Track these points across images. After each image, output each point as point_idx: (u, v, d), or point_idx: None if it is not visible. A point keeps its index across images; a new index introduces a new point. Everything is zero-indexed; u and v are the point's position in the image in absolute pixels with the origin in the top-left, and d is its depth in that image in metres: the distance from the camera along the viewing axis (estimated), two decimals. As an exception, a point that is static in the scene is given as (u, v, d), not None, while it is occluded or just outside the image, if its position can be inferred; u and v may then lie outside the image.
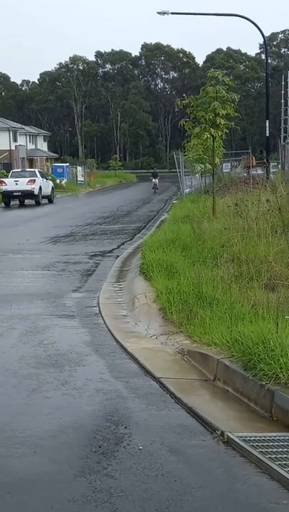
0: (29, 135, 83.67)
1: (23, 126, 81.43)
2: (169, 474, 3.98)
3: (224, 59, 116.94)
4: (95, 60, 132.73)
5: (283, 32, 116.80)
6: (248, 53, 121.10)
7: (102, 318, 8.11)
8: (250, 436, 4.43)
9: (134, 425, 4.73)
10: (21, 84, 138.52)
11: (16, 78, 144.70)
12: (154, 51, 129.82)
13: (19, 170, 45.13)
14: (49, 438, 4.52)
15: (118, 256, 13.82)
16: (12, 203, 37.33)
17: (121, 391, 5.47)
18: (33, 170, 43.48)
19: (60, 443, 4.45)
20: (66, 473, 4.01)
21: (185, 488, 3.81)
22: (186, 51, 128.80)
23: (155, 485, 3.86)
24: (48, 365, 6.19)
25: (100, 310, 8.59)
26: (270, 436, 4.44)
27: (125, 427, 4.69)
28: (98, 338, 7.24)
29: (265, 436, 4.44)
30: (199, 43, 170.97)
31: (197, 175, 33.68)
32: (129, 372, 5.97)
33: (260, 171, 33.06)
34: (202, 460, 4.18)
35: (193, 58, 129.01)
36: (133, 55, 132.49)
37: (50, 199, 39.23)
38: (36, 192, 36.61)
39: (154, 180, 50.93)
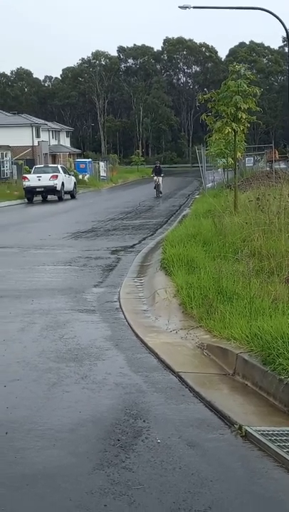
0: (52, 131, 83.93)
1: (46, 122, 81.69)
2: (187, 467, 4.00)
3: (247, 52, 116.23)
4: (117, 55, 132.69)
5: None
6: (271, 47, 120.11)
7: (123, 313, 8.15)
8: (269, 430, 4.43)
9: (152, 419, 4.76)
10: (44, 80, 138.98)
11: (39, 74, 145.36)
12: (176, 45, 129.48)
13: (42, 166, 45.31)
14: (68, 431, 4.57)
15: (139, 251, 13.85)
16: (35, 198, 37.51)
17: (140, 385, 5.50)
18: (55, 165, 43.64)
19: (79, 436, 4.49)
20: (85, 466, 4.05)
21: (202, 482, 3.83)
22: (208, 45, 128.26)
23: (173, 478, 3.89)
24: (68, 359, 6.24)
25: (120, 305, 8.63)
26: (288, 431, 4.44)
27: (144, 421, 4.71)
28: (118, 332, 7.27)
29: (283, 431, 4.44)
30: (222, 37, 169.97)
31: (219, 169, 33.60)
32: (149, 367, 5.99)
33: (283, 165, 32.91)
34: (220, 454, 4.20)
35: (216, 52, 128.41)
36: (155, 50, 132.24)
37: (72, 194, 39.37)
38: (59, 187, 36.76)
39: (156, 178, 38.04)
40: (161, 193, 37.95)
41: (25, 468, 4.05)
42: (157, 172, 38.29)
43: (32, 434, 4.52)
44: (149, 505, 3.59)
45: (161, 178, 38.24)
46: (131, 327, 7.44)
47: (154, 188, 38.10)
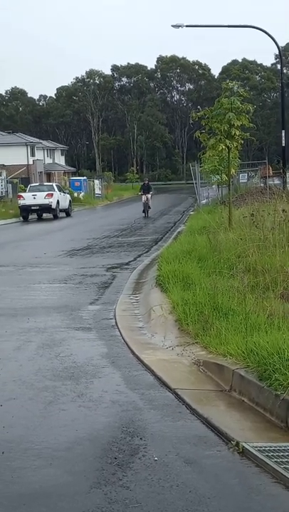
0: (47, 149, 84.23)
1: (41, 141, 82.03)
2: (184, 485, 3.98)
3: (240, 70, 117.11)
4: (111, 73, 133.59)
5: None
6: (264, 64, 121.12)
7: (119, 330, 8.14)
8: (266, 447, 4.42)
9: (149, 436, 4.75)
10: (38, 100, 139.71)
11: (34, 93, 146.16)
12: (169, 64, 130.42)
13: (37, 184, 45.44)
14: (65, 450, 4.55)
15: (135, 268, 13.86)
16: (30, 216, 37.56)
17: (137, 402, 5.49)
18: (50, 184, 43.82)
19: (76, 455, 4.47)
20: (82, 484, 4.03)
21: (200, 499, 3.81)
22: (201, 63, 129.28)
23: (170, 496, 3.87)
24: (64, 377, 6.22)
25: (116, 322, 8.62)
26: (285, 446, 4.43)
27: (140, 439, 4.70)
28: (114, 350, 7.26)
29: (280, 446, 4.43)
30: (215, 55, 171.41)
31: (214, 186, 33.76)
32: (145, 384, 5.99)
33: (277, 181, 33.02)
34: (217, 470, 4.19)
35: (209, 70, 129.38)
36: (149, 68, 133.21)
37: (67, 212, 39.44)
38: (54, 206, 36.83)
39: (144, 196, 34.70)
40: (150, 207, 34.69)
41: (22, 487, 4.03)
42: (146, 189, 35.36)
43: (29, 453, 4.51)
44: (146, 524, 3.58)
45: (150, 195, 35.34)
46: (127, 344, 7.43)
47: (143, 208, 34.37)
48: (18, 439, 4.74)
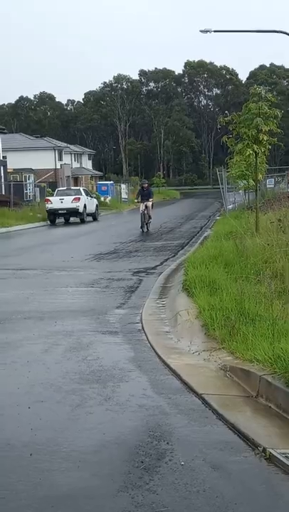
0: (74, 154, 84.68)
1: (68, 145, 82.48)
2: (211, 490, 3.99)
3: (267, 75, 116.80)
4: (138, 78, 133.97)
5: None
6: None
7: (145, 335, 8.16)
8: (293, 453, 4.41)
9: (176, 441, 4.76)
10: (66, 104, 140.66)
11: (62, 98, 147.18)
12: (197, 68, 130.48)
13: (64, 188, 45.69)
14: (92, 453, 4.58)
15: (161, 272, 13.87)
16: (57, 220, 37.78)
17: (163, 407, 5.50)
18: (77, 188, 44.01)
19: (103, 458, 4.49)
20: (109, 487, 4.06)
21: (227, 505, 3.81)
22: (229, 68, 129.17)
23: (197, 501, 3.88)
24: (91, 380, 6.26)
25: (142, 326, 8.65)
26: (312, 453, 4.41)
27: (167, 443, 4.71)
28: (141, 354, 7.28)
29: (307, 453, 4.41)
30: (242, 60, 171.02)
31: (240, 191, 33.63)
32: (172, 389, 6.00)
33: (304, 187, 32.84)
34: (244, 476, 4.18)
35: (237, 75, 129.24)
36: (176, 73, 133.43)
37: (94, 216, 39.58)
38: (81, 210, 37.00)
39: (142, 205, 27.55)
40: (150, 219, 27.57)
41: (50, 490, 4.06)
42: (145, 196, 28.01)
43: (56, 455, 4.54)
44: (173, 528, 3.59)
45: (150, 204, 27.65)
46: (153, 348, 7.45)
47: (141, 220, 27.19)
48: (46, 442, 4.78)
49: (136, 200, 31.41)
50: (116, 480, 4.15)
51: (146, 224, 27.45)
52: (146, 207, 27.47)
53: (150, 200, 28.00)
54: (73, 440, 4.80)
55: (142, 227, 27.14)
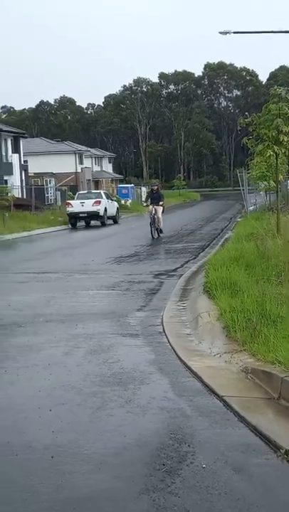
0: (95, 157, 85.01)
1: (89, 149, 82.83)
2: (233, 493, 3.96)
3: (287, 76, 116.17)
4: (158, 81, 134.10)
5: None
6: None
7: (166, 337, 8.15)
8: (315, 456, 4.36)
9: (197, 443, 4.74)
10: (87, 108, 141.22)
11: (82, 102, 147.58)
12: (217, 70, 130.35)
13: (85, 192, 45.92)
14: (113, 455, 4.57)
15: (182, 275, 13.85)
16: (78, 224, 37.91)
17: (184, 409, 5.48)
18: (98, 191, 44.19)
19: (125, 460, 4.49)
20: (130, 490, 4.05)
21: (248, 507, 3.79)
22: (249, 69, 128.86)
23: (218, 503, 3.85)
24: (112, 383, 6.26)
25: (163, 329, 8.63)
26: None
27: (189, 445, 4.69)
28: (162, 356, 7.27)
29: None
30: (262, 61, 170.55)
31: (261, 192, 33.50)
32: (193, 391, 5.97)
33: None
34: (266, 479, 4.15)
35: (257, 76, 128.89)
36: (196, 75, 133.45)
37: (115, 220, 39.65)
38: (102, 213, 37.10)
39: (152, 207, 25.57)
40: (161, 231, 25.55)
41: (71, 492, 4.06)
42: (155, 199, 25.92)
43: (77, 458, 4.54)
44: (194, 531, 3.57)
45: (161, 209, 25.68)
46: (174, 351, 7.43)
47: (150, 223, 25.30)
48: (67, 444, 4.79)
49: (144, 204, 29.55)
50: (137, 482, 4.14)
51: (157, 230, 25.44)
52: (155, 211, 25.44)
53: (160, 203, 25.89)
54: (94, 442, 4.80)
55: (151, 233, 25.11)
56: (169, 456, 4.52)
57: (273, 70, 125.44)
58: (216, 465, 4.36)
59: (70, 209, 37.73)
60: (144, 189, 65.06)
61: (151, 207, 25.66)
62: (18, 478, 4.28)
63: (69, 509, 3.85)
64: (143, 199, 62.40)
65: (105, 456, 4.56)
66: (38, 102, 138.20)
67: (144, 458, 4.50)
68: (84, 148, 79.96)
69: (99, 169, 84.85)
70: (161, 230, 25.64)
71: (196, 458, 4.47)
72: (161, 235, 25.47)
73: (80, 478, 4.23)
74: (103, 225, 37.10)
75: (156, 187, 27.28)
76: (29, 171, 57.87)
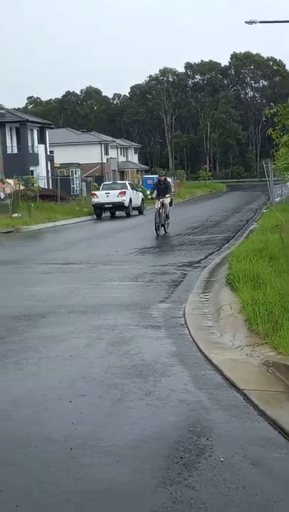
0: (120, 148, 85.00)
1: (115, 139, 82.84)
2: (250, 487, 3.94)
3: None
4: (184, 71, 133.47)
5: None
6: None
7: (188, 329, 8.13)
8: None
9: (216, 437, 4.72)
10: (113, 98, 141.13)
11: (108, 92, 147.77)
12: (243, 60, 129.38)
13: (110, 182, 45.93)
14: (132, 448, 4.58)
15: (205, 266, 13.81)
16: (103, 214, 37.97)
17: (204, 402, 5.47)
18: (123, 182, 44.18)
19: (143, 453, 4.49)
20: (148, 483, 4.05)
21: (266, 502, 3.77)
22: (276, 59, 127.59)
23: (236, 497, 3.84)
24: (132, 375, 6.27)
25: (185, 321, 8.61)
26: None
27: (207, 439, 4.68)
28: (183, 348, 7.26)
29: None
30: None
31: (288, 183, 33.21)
32: (213, 384, 5.96)
33: None
34: (285, 473, 4.13)
35: (284, 66, 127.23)
36: (222, 65, 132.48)
37: (140, 210, 39.64)
38: (126, 204, 37.11)
39: (158, 201, 23.20)
40: (167, 219, 23.47)
41: (89, 484, 4.08)
42: (161, 190, 23.43)
43: (96, 450, 4.56)
44: (211, 525, 3.56)
45: (168, 202, 23.40)
46: (196, 343, 7.41)
47: (155, 219, 22.97)
48: (87, 436, 4.80)
49: (150, 196, 25.98)
50: (155, 475, 4.14)
51: (163, 225, 23.16)
52: (162, 204, 22.94)
53: (167, 195, 23.45)
54: (113, 435, 4.81)
55: (156, 230, 22.59)
56: (188, 449, 4.52)
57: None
58: (234, 459, 4.34)
59: (95, 200, 37.81)
60: (169, 180, 64.93)
61: (157, 201, 23.31)
62: (37, 469, 4.31)
63: (87, 501, 3.87)
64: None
65: (124, 448, 4.57)
66: (64, 93, 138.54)
67: (162, 451, 4.50)
68: (109, 138, 80.00)
69: (124, 160, 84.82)
70: (168, 224, 23.51)
71: (215, 451, 4.46)
72: (167, 230, 23.32)
73: (99, 471, 4.25)
74: (128, 215, 37.12)
75: (163, 177, 25.21)
76: (55, 162, 58.07)
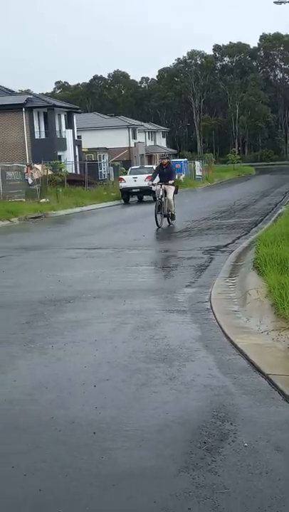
0: (148, 132, 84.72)
1: (142, 123, 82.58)
2: (274, 472, 3.92)
3: None
4: (212, 53, 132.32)
5: None
6: None
7: (213, 314, 8.09)
8: None
9: (240, 422, 4.70)
10: (140, 82, 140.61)
11: (136, 76, 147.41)
12: (272, 41, 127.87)
13: (137, 167, 45.89)
14: (155, 432, 4.58)
15: (232, 251, 13.73)
16: (131, 199, 37.96)
17: (229, 387, 5.44)
18: (150, 166, 44.07)
19: (166, 438, 4.48)
20: (170, 468, 4.04)
21: (289, 488, 3.74)
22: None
23: (259, 483, 3.82)
24: (157, 359, 6.26)
25: (211, 305, 8.57)
26: None
27: (231, 424, 4.66)
28: (208, 333, 7.23)
29: None
30: None
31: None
32: (238, 369, 5.92)
33: None
34: (309, 459, 4.09)
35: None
36: (251, 47, 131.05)
37: (168, 194, 39.53)
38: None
39: (159, 187, 20.13)
40: (172, 217, 20.35)
41: (112, 468, 4.09)
42: (164, 176, 20.42)
43: (119, 434, 4.56)
44: (233, 511, 3.54)
45: (172, 190, 20.26)
46: (221, 328, 7.37)
47: (155, 209, 19.88)
48: (110, 420, 4.81)
49: (151, 184, 22.34)
50: (178, 460, 4.13)
51: (167, 216, 20.15)
52: (164, 192, 19.92)
53: (170, 182, 20.23)
54: (137, 419, 4.81)
55: (156, 222, 19.37)
56: (211, 434, 4.50)
57: None
58: (258, 444, 4.32)
59: (122, 184, 37.82)
60: (197, 163, 64.63)
61: (159, 187, 20.13)
62: (61, 453, 4.33)
63: (109, 485, 3.87)
64: (197, 173, 62.13)
65: (147, 433, 4.57)
66: (91, 77, 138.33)
67: (185, 435, 4.49)
68: (137, 122, 79.74)
69: (152, 144, 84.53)
70: (172, 215, 20.39)
71: (238, 436, 4.44)
72: (172, 222, 20.35)
73: (122, 455, 4.25)
74: (156, 200, 37.02)
75: (166, 160, 21.57)
76: (82, 147, 58.09)
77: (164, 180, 20.29)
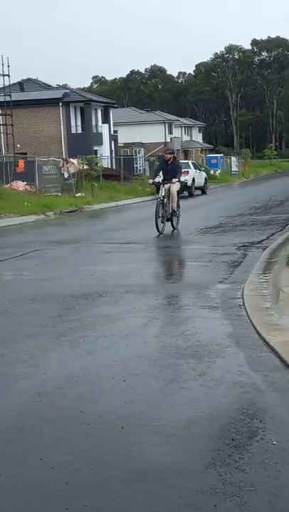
0: (184, 127, 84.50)
1: (179, 118, 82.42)
2: (302, 471, 3.88)
3: None
4: (250, 48, 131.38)
5: None
6: None
7: (245, 310, 8.03)
8: None
9: (269, 419, 4.66)
10: (177, 77, 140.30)
11: (172, 71, 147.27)
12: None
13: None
14: (183, 428, 4.56)
15: (267, 247, 13.62)
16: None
17: (259, 384, 5.40)
18: (186, 161, 43.96)
19: (194, 434, 4.47)
20: (197, 464, 4.03)
21: None
22: None
23: (287, 481, 3.78)
24: (187, 355, 6.24)
25: (243, 302, 8.51)
26: None
27: (260, 421, 4.62)
28: (240, 330, 7.18)
29: None
30: None
31: None
32: (269, 366, 5.87)
33: None
34: None
35: None
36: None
37: (203, 190, 39.47)
38: (189, 183, 36.95)
39: (162, 188, 17.57)
40: (176, 214, 17.90)
41: (139, 463, 4.08)
42: (168, 173, 17.77)
43: (147, 429, 4.56)
44: (259, 508, 3.51)
45: (176, 187, 17.65)
46: (253, 325, 7.32)
47: (156, 211, 17.09)
48: (138, 415, 4.81)
49: (151, 181, 19.78)
50: (205, 456, 4.11)
51: (170, 220, 17.58)
52: (168, 191, 17.58)
53: (175, 180, 17.48)
54: (165, 415, 4.80)
55: (157, 227, 16.77)
56: (239, 431, 4.47)
57: None
58: (287, 442, 4.27)
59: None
60: (233, 159, 64.27)
61: (161, 188, 17.58)
62: (89, 447, 4.34)
63: (135, 480, 3.87)
64: (233, 169, 61.81)
65: (175, 428, 4.55)
66: (128, 72, 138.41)
67: (213, 432, 4.47)
68: (173, 117, 79.59)
69: (188, 139, 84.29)
70: (176, 213, 17.81)
71: (267, 434, 4.40)
72: (177, 227, 17.86)
73: (148, 450, 4.25)
74: (191, 195, 36.98)
75: (170, 155, 18.32)
76: (118, 141, 58.20)
77: (167, 178, 17.60)
